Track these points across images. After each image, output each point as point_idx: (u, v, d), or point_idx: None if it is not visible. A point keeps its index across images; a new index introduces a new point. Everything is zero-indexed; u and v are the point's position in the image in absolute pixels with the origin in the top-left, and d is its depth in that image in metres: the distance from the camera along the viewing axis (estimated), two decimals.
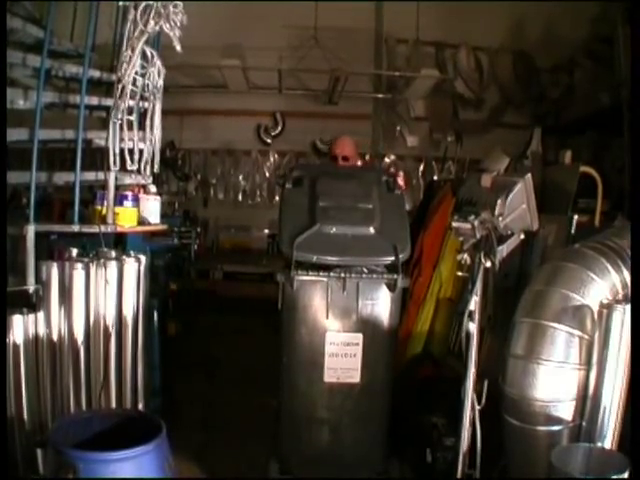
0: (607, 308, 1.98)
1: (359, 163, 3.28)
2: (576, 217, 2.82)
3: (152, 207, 3.17)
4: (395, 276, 2.57)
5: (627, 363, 1.93)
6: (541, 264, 2.52)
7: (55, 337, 2.60)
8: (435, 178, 5.87)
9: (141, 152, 2.90)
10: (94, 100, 3.15)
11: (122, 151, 2.78)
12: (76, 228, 2.82)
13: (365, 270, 2.61)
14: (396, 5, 5.99)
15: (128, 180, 3.08)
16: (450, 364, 3.12)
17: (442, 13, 5.96)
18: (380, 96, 6.44)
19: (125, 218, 2.92)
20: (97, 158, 3.09)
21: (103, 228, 2.82)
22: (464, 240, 2.14)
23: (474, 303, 2.13)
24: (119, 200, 2.91)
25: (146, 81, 2.82)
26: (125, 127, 2.75)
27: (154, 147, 2.97)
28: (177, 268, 4.57)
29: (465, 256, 2.15)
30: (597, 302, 2.01)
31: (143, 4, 2.65)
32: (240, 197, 6.52)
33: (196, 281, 5.57)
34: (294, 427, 2.71)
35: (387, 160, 6.16)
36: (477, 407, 2.15)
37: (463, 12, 5.96)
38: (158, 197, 3.26)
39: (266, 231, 6.47)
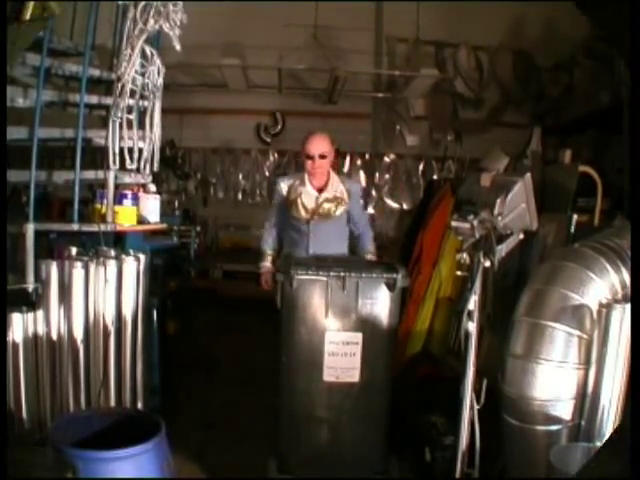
0: (606, 308, 1.98)
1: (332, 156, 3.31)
2: (575, 216, 2.83)
3: (152, 206, 3.18)
4: (395, 275, 2.57)
5: (626, 362, 1.94)
6: (540, 263, 2.52)
7: (54, 336, 2.60)
8: (435, 177, 5.88)
9: (141, 151, 2.91)
10: (94, 99, 3.15)
11: (122, 150, 2.79)
12: (76, 227, 2.83)
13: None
14: (396, 4, 5.98)
15: (128, 179, 3.08)
16: (449, 363, 3.13)
17: (442, 12, 5.94)
18: (380, 95, 6.42)
19: (125, 217, 2.93)
20: (97, 157, 3.09)
21: (103, 227, 2.83)
22: (463, 239, 2.14)
23: (473, 302, 2.12)
24: (119, 199, 2.92)
25: (146, 80, 2.82)
26: (125, 126, 2.76)
27: (154, 146, 2.97)
28: (176, 267, 4.57)
29: (464, 255, 2.14)
30: (596, 302, 2.01)
31: (143, 3, 2.65)
32: (240, 196, 6.50)
33: (196, 280, 5.57)
34: (293, 426, 2.71)
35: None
36: (476, 406, 2.15)
37: (463, 11, 5.94)
38: (158, 196, 3.26)
39: None
